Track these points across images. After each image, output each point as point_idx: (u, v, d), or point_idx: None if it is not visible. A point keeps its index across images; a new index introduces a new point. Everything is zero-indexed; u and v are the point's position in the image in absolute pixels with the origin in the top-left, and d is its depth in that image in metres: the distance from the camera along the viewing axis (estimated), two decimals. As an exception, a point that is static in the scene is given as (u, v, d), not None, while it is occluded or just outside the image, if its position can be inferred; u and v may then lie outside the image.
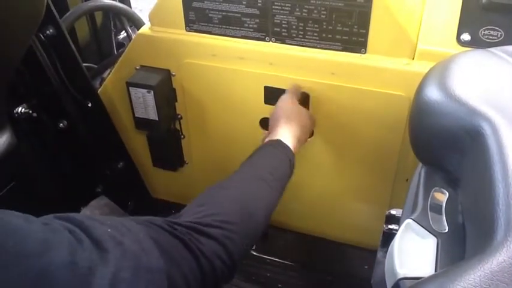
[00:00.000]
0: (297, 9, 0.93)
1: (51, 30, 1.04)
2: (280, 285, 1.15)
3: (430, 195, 0.50)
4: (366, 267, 1.16)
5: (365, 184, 1.10)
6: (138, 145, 1.27)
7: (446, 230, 0.47)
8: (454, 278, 0.34)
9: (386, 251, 0.54)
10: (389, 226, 0.68)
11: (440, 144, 0.51)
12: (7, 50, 0.83)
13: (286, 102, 0.95)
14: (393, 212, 0.69)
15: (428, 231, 0.46)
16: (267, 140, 0.88)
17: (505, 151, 0.42)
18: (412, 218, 0.48)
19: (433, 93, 0.52)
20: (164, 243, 0.54)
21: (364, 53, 0.93)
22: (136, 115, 1.11)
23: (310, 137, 1.04)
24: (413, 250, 0.45)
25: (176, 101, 1.14)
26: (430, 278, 0.36)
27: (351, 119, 1.00)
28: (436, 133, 0.51)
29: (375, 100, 0.95)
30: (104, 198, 1.18)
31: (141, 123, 1.13)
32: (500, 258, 0.34)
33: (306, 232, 1.26)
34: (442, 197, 0.50)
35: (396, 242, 0.46)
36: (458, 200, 0.50)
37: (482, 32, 0.86)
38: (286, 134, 0.88)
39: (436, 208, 0.49)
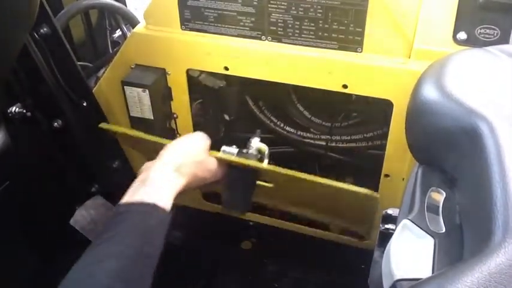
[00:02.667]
0: (293, 8, 0.93)
1: (45, 29, 1.03)
2: (276, 285, 1.14)
3: (427, 195, 0.50)
4: (363, 266, 1.16)
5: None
6: (134, 144, 1.26)
7: (444, 231, 0.46)
8: (451, 279, 0.33)
9: (383, 251, 0.53)
10: (386, 226, 0.68)
11: (437, 144, 0.51)
12: (1, 49, 0.82)
13: (189, 143, 0.85)
14: (390, 211, 0.68)
15: (425, 231, 0.46)
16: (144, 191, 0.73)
17: (503, 151, 0.42)
18: (409, 218, 0.48)
19: (430, 92, 0.52)
20: None
21: (361, 52, 0.93)
22: (131, 114, 1.11)
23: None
24: (410, 251, 0.45)
25: (172, 99, 1.14)
26: (428, 280, 0.36)
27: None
28: (433, 133, 0.51)
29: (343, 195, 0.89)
30: (99, 198, 1.17)
31: (137, 122, 1.12)
32: (498, 260, 0.33)
33: (303, 232, 1.26)
34: (439, 197, 0.50)
35: (393, 243, 0.46)
36: (456, 200, 0.50)
37: (479, 31, 0.86)
38: (170, 183, 0.75)
39: (433, 208, 0.49)
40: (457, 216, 0.48)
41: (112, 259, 0.62)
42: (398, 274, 0.43)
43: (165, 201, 0.72)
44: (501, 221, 0.35)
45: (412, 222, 0.47)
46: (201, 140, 0.87)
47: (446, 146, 0.50)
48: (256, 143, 0.96)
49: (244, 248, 1.24)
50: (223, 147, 0.91)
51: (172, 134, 1.20)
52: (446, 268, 0.36)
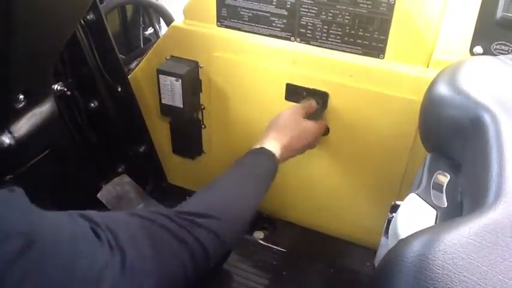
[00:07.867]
0: (323, 13, 1.00)
1: (91, 16, 1.12)
2: (284, 273, 1.20)
3: (434, 176, 0.56)
4: (368, 264, 1.21)
5: (373, 184, 1.15)
6: (161, 131, 1.34)
7: (446, 206, 0.53)
8: (447, 229, 0.40)
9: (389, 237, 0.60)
10: (394, 214, 0.74)
11: (447, 132, 0.58)
12: (59, 31, 0.90)
13: (285, 114, 1.04)
14: (398, 202, 0.74)
15: (429, 204, 0.52)
16: (255, 146, 0.96)
17: (502, 137, 0.48)
18: (416, 192, 0.54)
19: (443, 87, 0.58)
20: (163, 235, 0.65)
21: (382, 58, 1.00)
22: (162, 101, 1.18)
23: (313, 147, 1.11)
24: (414, 219, 0.51)
25: (201, 91, 1.21)
26: (425, 229, 0.42)
27: (365, 120, 1.06)
28: (443, 122, 0.58)
29: (390, 103, 1.01)
30: (126, 177, 1.25)
31: (167, 110, 1.20)
32: (488, 216, 0.40)
33: (313, 227, 1.31)
34: (444, 179, 0.56)
35: (400, 211, 0.52)
36: (458, 183, 0.56)
37: (494, 47, 0.92)
38: (272, 143, 0.97)
39: (438, 187, 0.55)
40: (459, 195, 0.54)
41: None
42: (403, 234, 0.49)
43: (273, 152, 0.94)
44: (495, 187, 0.42)
45: (419, 196, 0.53)
46: (297, 110, 1.05)
47: (454, 134, 0.56)
48: None
49: (256, 237, 1.30)
50: None
51: (197, 125, 1.28)
52: (444, 222, 0.42)
